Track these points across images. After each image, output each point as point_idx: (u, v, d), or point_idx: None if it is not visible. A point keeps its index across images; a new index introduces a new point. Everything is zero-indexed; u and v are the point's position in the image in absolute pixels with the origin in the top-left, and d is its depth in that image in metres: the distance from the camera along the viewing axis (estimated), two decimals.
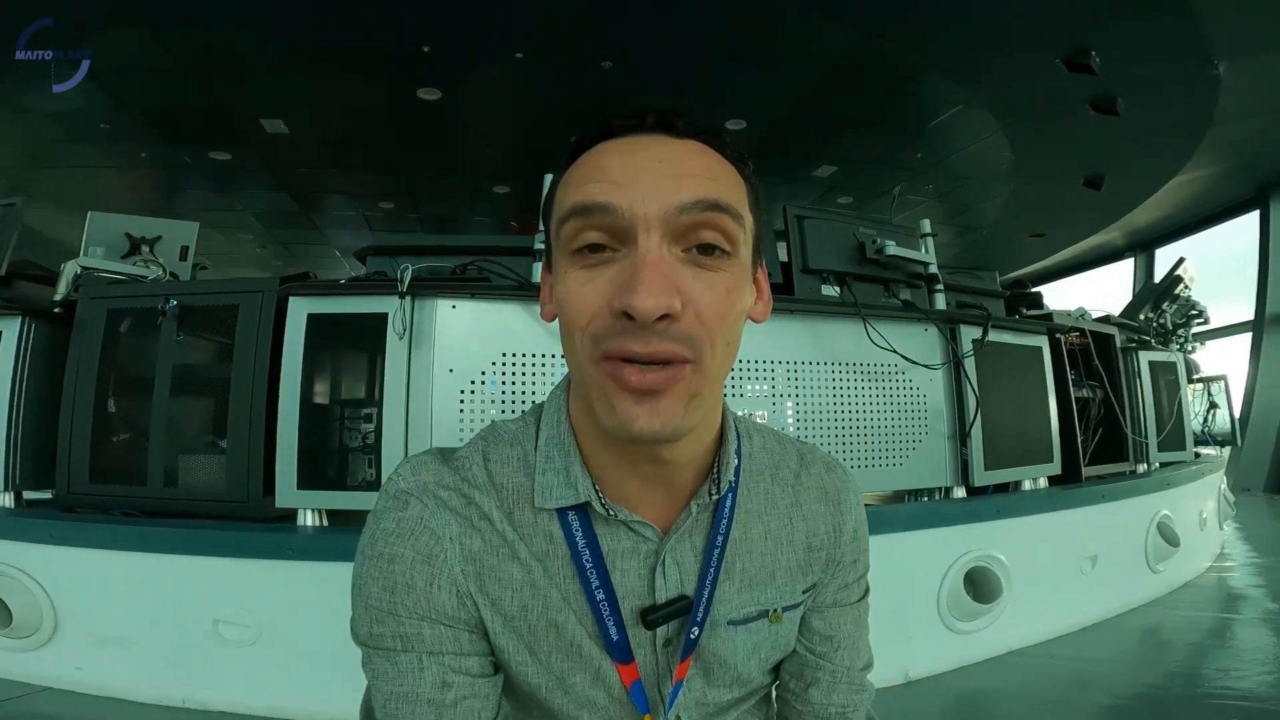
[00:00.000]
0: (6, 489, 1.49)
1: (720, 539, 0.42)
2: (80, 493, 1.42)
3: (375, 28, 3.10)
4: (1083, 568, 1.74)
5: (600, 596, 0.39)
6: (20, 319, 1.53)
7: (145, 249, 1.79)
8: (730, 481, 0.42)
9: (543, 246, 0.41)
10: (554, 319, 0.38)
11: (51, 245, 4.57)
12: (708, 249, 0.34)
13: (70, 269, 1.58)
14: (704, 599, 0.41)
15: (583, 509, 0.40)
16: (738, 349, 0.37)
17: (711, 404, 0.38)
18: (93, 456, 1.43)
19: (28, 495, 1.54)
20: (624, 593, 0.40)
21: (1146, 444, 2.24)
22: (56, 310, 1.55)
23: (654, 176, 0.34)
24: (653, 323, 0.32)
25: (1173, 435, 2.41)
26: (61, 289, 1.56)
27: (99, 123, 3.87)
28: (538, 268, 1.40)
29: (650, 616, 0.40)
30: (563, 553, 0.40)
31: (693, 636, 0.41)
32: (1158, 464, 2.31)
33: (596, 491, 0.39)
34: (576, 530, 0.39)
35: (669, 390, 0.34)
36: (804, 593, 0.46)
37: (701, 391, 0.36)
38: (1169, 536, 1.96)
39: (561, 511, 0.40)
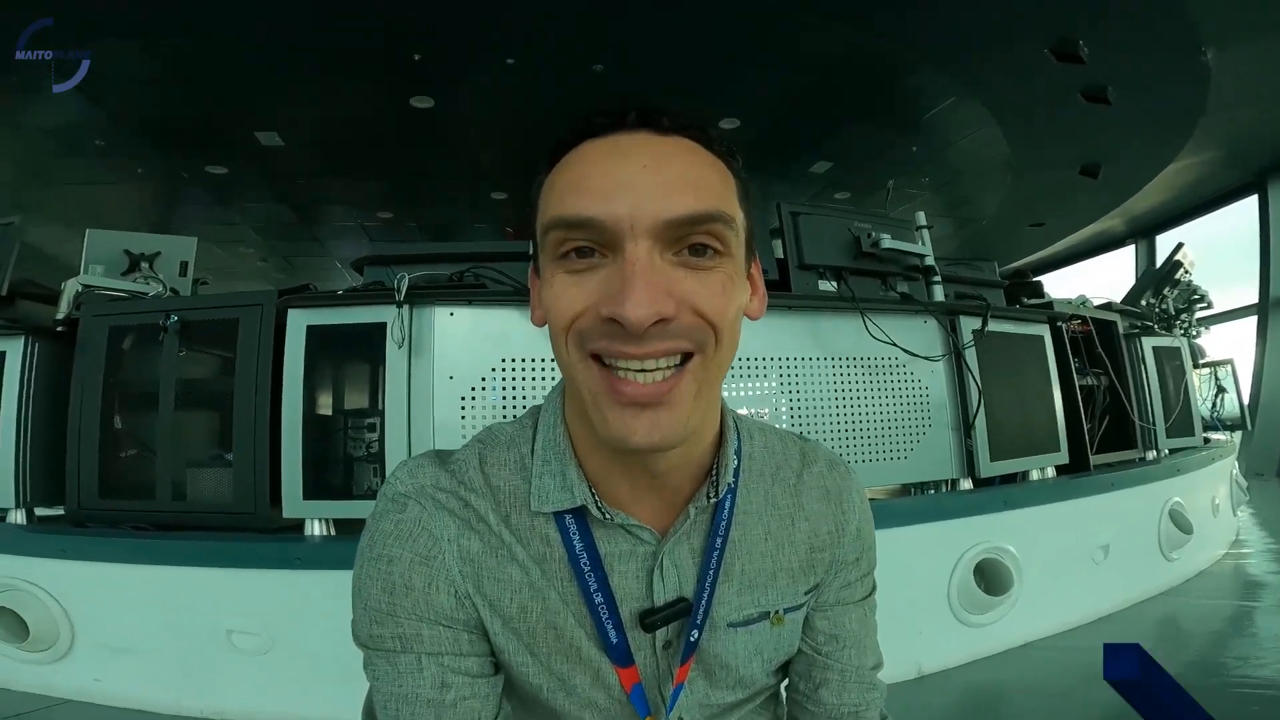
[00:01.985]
0: (18, 506, 1.50)
1: (719, 541, 0.41)
2: (90, 508, 1.44)
3: (365, 37, 3.12)
4: (1095, 557, 1.73)
5: (599, 599, 0.39)
6: (24, 338, 1.54)
7: (145, 265, 1.81)
8: (729, 483, 0.41)
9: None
10: (544, 324, 0.38)
11: (51, 262, 4.62)
12: (700, 249, 0.34)
13: (71, 287, 1.59)
14: (703, 601, 0.41)
15: (580, 512, 0.39)
16: (736, 348, 0.37)
17: (710, 404, 0.38)
18: (101, 472, 1.45)
19: (39, 511, 1.55)
20: (622, 595, 0.40)
21: (1154, 430, 2.22)
22: (59, 329, 1.57)
23: (641, 187, 0.33)
24: (647, 328, 0.32)
25: (1181, 421, 2.39)
26: (63, 307, 1.57)
27: (94, 138, 3.90)
28: None
29: (649, 619, 0.40)
30: (560, 555, 0.40)
31: (692, 639, 0.41)
32: (1167, 450, 2.29)
33: (593, 495, 0.39)
34: (574, 534, 0.39)
35: (669, 401, 0.33)
36: (806, 594, 0.45)
37: (708, 385, 0.35)
38: (1182, 524, 1.94)
39: (559, 515, 0.40)
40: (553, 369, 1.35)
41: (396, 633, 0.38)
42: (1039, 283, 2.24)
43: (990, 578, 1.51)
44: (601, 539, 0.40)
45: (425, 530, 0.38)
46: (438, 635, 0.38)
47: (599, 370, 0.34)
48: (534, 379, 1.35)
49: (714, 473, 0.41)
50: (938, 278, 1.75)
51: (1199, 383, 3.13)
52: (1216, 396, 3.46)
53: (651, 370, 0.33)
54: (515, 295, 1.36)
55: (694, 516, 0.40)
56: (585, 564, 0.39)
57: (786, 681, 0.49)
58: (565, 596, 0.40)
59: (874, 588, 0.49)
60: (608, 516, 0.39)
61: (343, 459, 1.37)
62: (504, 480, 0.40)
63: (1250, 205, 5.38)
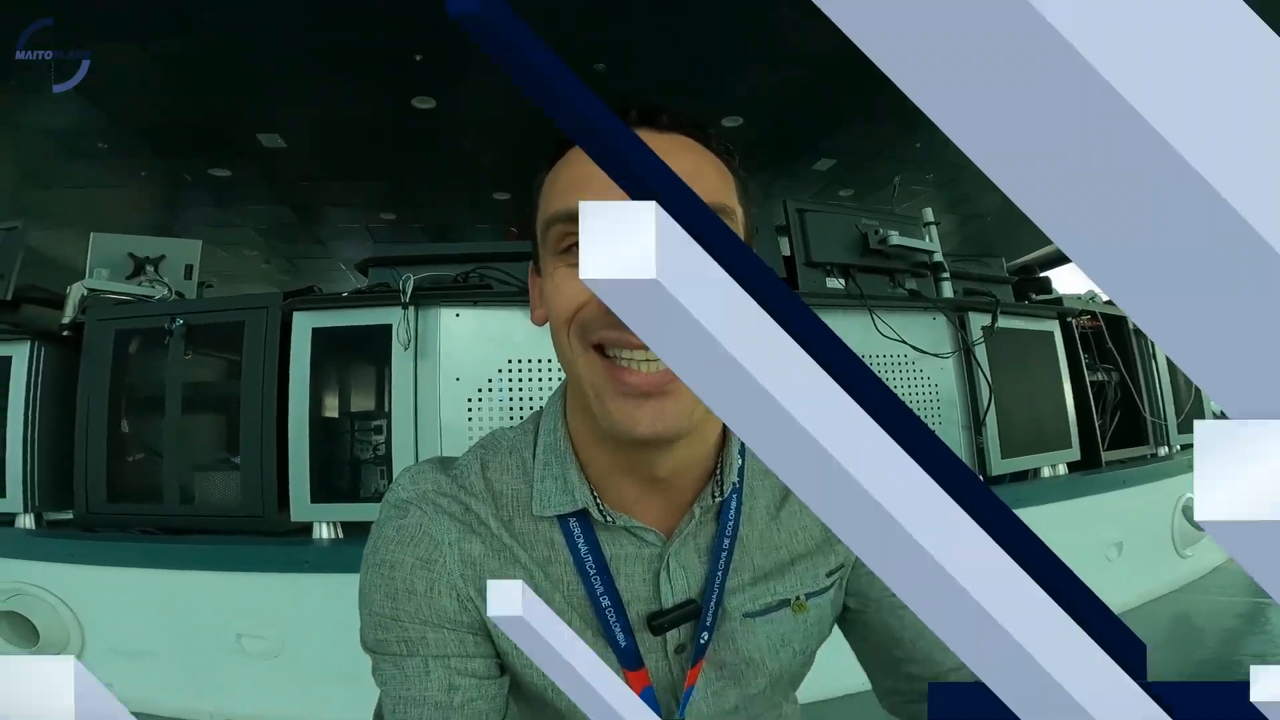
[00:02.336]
0: (26, 510, 1.51)
1: (726, 542, 0.41)
2: (99, 512, 1.44)
3: (365, 37, 3.12)
4: (1108, 555, 1.71)
5: (606, 603, 0.39)
6: (29, 343, 1.54)
7: (149, 269, 1.81)
8: (734, 483, 0.41)
9: None
10: (545, 322, 0.37)
11: (55, 265, 4.64)
12: None
13: (76, 291, 1.59)
14: (712, 602, 0.40)
15: (583, 516, 0.39)
16: None
17: None
18: (109, 476, 1.45)
19: (47, 516, 1.56)
20: (629, 598, 0.40)
21: (1166, 426, 2.20)
22: (65, 333, 1.57)
23: None
24: None
25: (1193, 416, 2.37)
26: (69, 312, 1.57)
27: (95, 141, 3.90)
28: None
29: (656, 621, 0.39)
30: (565, 559, 0.39)
31: (703, 640, 0.40)
32: (1179, 446, 2.26)
33: (595, 498, 0.39)
34: (578, 537, 0.39)
35: (672, 390, 0.33)
36: (829, 575, 0.44)
37: None
38: (1195, 520, 1.92)
39: (562, 519, 0.39)
40: (560, 370, 1.34)
41: (401, 637, 0.38)
42: (1047, 278, 2.22)
43: None
44: (606, 542, 0.40)
45: (426, 534, 0.39)
46: (442, 638, 0.38)
47: (601, 361, 0.34)
48: (541, 380, 1.34)
49: (718, 473, 0.40)
50: (946, 274, 1.74)
51: None
52: None
53: (655, 360, 0.33)
54: (521, 295, 1.35)
55: (699, 516, 0.40)
56: (591, 567, 0.39)
57: (886, 676, 0.45)
58: (571, 600, 0.39)
59: None
60: (609, 519, 0.39)
61: (350, 461, 1.37)
62: (506, 485, 0.40)
63: None
